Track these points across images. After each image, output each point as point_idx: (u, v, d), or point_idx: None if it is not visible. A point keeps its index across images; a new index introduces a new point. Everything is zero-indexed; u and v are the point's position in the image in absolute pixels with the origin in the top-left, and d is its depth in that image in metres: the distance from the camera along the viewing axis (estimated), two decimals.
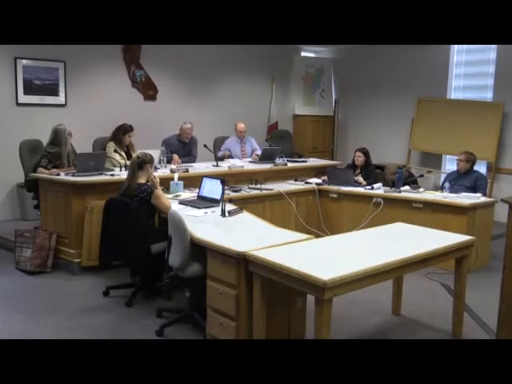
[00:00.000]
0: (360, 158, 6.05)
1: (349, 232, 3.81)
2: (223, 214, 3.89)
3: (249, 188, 5.44)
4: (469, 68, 7.69)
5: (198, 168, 5.81)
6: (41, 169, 4.98)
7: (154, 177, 4.16)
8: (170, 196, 4.64)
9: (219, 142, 7.05)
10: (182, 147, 6.43)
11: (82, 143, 5.71)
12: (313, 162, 6.98)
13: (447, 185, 5.26)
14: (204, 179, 4.52)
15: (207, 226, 3.66)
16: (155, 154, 5.39)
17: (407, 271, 3.23)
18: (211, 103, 8.29)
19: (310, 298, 2.83)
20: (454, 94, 7.89)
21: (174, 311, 3.76)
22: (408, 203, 5.17)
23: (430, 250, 3.17)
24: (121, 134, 5.73)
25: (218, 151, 6.91)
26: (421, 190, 5.41)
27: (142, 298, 4.13)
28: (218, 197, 4.17)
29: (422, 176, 6.07)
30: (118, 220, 3.86)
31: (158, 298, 4.15)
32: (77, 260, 4.68)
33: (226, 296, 3.08)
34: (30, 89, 6.49)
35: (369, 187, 5.58)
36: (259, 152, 6.69)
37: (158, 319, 3.72)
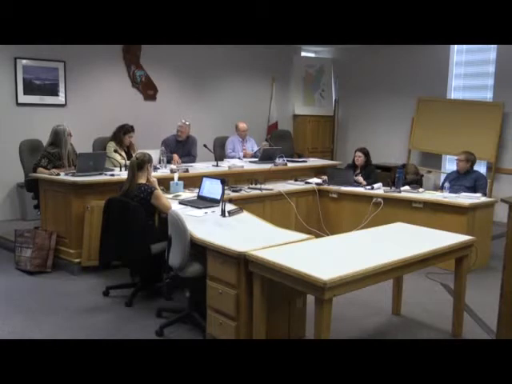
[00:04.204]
0: (360, 158, 6.05)
1: (349, 232, 3.82)
2: (223, 214, 3.89)
3: (249, 188, 5.44)
4: (469, 68, 7.70)
5: (197, 168, 5.80)
6: (41, 169, 4.98)
7: (151, 177, 4.17)
8: (170, 196, 4.64)
9: (219, 142, 7.05)
10: (181, 147, 6.42)
11: (82, 143, 5.71)
12: (313, 162, 6.98)
13: (447, 185, 5.26)
14: (204, 179, 4.52)
15: (207, 225, 3.66)
16: (155, 154, 5.39)
17: (407, 271, 3.24)
18: (211, 103, 8.29)
19: (310, 298, 2.83)
20: (453, 94, 7.89)
21: (174, 311, 3.76)
22: (408, 203, 5.17)
23: (430, 249, 3.17)
24: (121, 134, 5.74)
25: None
26: (421, 190, 5.42)
27: (141, 298, 4.13)
28: (218, 197, 4.17)
29: (422, 176, 6.08)
30: (118, 220, 3.86)
31: (158, 297, 4.15)
32: (77, 260, 4.68)
33: (226, 296, 3.08)
34: (29, 89, 6.49)
35: (369, 187, 5.58)
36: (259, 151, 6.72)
37: (157, 319, 3.71)
